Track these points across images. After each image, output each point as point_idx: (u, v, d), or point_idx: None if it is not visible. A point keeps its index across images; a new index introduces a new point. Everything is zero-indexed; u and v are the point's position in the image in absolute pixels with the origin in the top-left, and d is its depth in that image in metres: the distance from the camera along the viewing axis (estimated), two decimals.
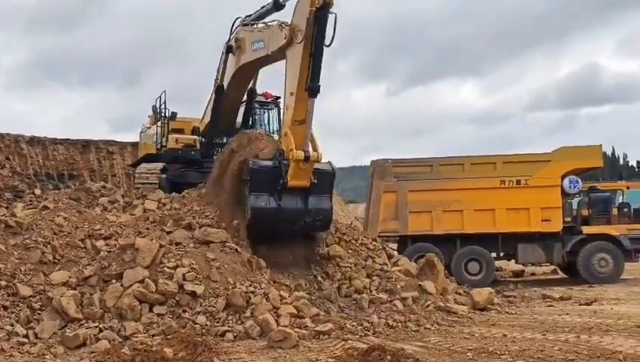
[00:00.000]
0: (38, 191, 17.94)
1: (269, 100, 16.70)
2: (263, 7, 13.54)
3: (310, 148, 10.79)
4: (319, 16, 10.34)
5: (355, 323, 9.37)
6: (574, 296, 13.42)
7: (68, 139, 26.79)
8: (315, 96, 10.66)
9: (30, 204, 13.39)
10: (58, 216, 11.55)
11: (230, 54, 14.35)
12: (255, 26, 13.53)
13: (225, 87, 14.73)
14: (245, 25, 13.96)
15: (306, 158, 10.65)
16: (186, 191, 13.22)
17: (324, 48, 10.50)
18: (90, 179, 24.15)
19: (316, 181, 11.08)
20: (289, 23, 11.23)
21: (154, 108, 17.00)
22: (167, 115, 16.15)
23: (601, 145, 17.87)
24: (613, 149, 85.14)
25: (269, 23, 12.57)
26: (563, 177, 16.69)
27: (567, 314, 10.97)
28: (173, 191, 13.81)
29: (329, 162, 11.83)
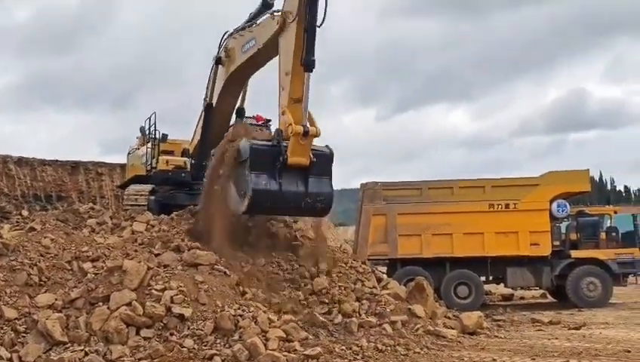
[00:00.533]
0: (25, 213, 17.74)
1: (260, 123, 16.74)
2: (251, 13, 13.66)
3: (308, 124, 10.81)
4: None
5: (344, 347, 9.30)
6: (563, 320, 13.43)
7: (57, 160, 26.67)
8: (311, 70, 10.81)
9: (17, 226, 13.25)
10: (45, 237, 11.43)
11: (220, 66, 14.52)
12: (245, 30, 13.67)
13: (214, 103, 14.78)
14: (232, 34, 14.13)
15: (305, 133, 10.68)
16: (175, 213, 13.16)
17: (316, 29, 10.78)
18: (79, 200, 24.00)
19: (315, 160, 11.12)
20: (279, 11, 11.66)
21: (142, 129, 16.96)
22: (156, 136, 16.12)
23: (588, 169, 18.06)
24: (601, 174, 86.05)
25: (259, 21, 12.96)
26: (551, 201, 16.81)
27: (557, 338, 10.96)
28: (162, 213, 13.74)
29: (327, 145, 11.80)
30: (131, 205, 14.59)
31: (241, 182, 11.16)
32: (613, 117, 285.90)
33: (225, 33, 14.51)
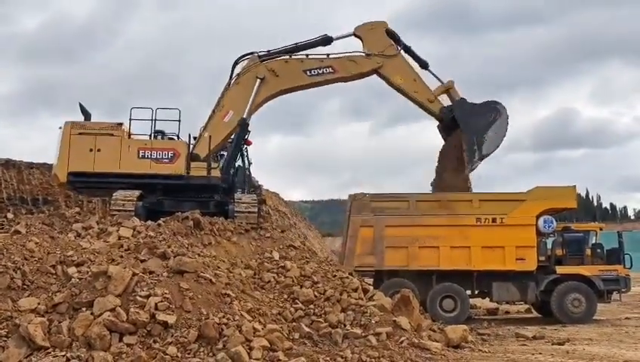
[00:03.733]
0: (10, 216, 17.65)
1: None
2: (296, 44, 17.35)
3: None
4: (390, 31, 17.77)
5: (328, 358, 9.29)
6: (547, 335, 13.48)
7: (45, 163, 26.48)
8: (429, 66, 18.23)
9: (2, 228, 13.18)
10: (30, 241, 11.36)
11: (260, 83, 16.63)
12: (299, 56, 17.41)
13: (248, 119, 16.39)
14: (270, 58, 17.10)
15: None
16: (162, 219, 13.13)
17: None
18: (66, 204, 23.82)
19: None
20: (370, 53, 17.63)
21: (83, 107, 15.91)
22: (189, 137, 16.12)
23: (575, 186, 18.14)
24: (588, 191, 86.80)
25: (334, 55, 17.45)
26: (538, 217, 16.90)
27: (540, 353, 11.00)
28: (149, 219, 13.70)
29: None
30: (118, 210, 14.50)
31: None
32: (600, 136, 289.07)
33: (248, 54, 17.04)
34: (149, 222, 13.18)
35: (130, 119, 15.66)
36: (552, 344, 12.31)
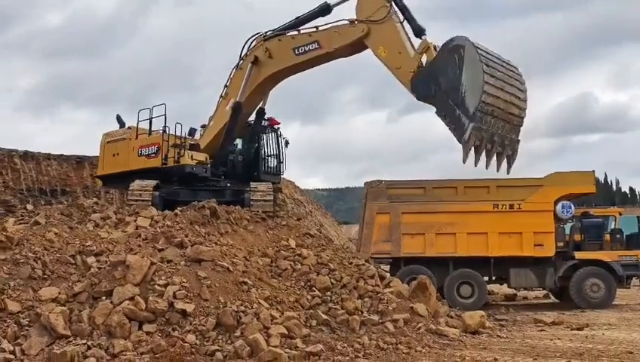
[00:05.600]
0: (30, 207, 17.88)
1: (269, 126, 16.99)
2: (297, 17, 15.09)
3: None
4: None
5: (345, 345, 9.32)
6: (566, 320, 13.39)
7: (62, 154, 26.77)
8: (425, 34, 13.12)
9: (21, 219, 13.32)
10: (49, 231, 11.49)
11: (254, 67, 15.16)
12: (292, 33, 14.98)
13: (242, 102, 15.28)
14: (273, 36, 15.13)
15: None
16: (179, 208, 13.20)
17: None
18: (83, 195, 24.07)
19: None
20: (357, 19, 13.88)
21: (119, 118, 16.79)
22: (166, 130, 15.90)
23: (593, 170, 17.98)
24: (606, 175, 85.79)
25: (323, 27, 14.46)
26: (556, 202, 16.75)
27: (559, 338, 10.94)
28: (166, 209, 13.78)
29: None
30: (135, 200, 14.60)
31: None
32: (618, 120, 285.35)
33: (256, 34, 15.32)
34: (166, 212, 13.25)
35: (138, 121, 16.18)
36: (571, 329, 12.24)
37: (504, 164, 12.77)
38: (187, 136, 16.13)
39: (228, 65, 15.52)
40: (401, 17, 13.51)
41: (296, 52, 14.63)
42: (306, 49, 14.47)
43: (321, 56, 14.54)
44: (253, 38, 15.55)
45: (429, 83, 12.61)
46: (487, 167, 12.49)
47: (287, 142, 17.18)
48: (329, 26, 14.37)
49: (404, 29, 13.44)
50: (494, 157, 12.51)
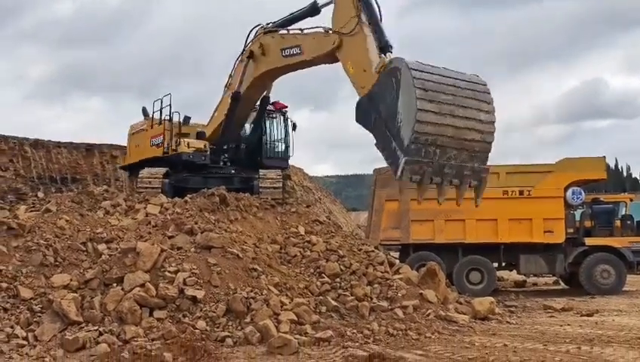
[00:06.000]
0: (41, 194, 18.01)
1: (279, 109, 16.94)
2: (292, 13, 14.23)
3: None
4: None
5: (355, 331, 9.35)
6: (576, 307, 13.38)
7: (72, 142, 26.88)
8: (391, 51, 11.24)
9: (33, 207, 13.41)
10: (60, 218, 11.58)
11: (251, 60, 14.73)
12: (282, 32, 14.13)
13: (242, 93, 15.02)
14: (269, 31, 14.42)
15: None
16: (188, 196, 13.24)
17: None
18: (93, 182, 24.20)
19: None
20: (331, 28, 12.48)
21: (144, 110, 17.09)
22: (172, 118, 16.07)
23: (604, 156, 17.78)
24: (617, 161, 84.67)
25: (307, 31, 13.37)
26: (566, 188, 16.65)
27: (569, 324, 10.93)
28: (176, 196, 13.83)
29: None
30: (145, 188, 14.68)
31: None
32: (629, 106, 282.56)
33: (257, 26, 14.79)
34: (176, 199, 13.31)
35: (153, 111, 16.45)
36: (581, 315, 12.22)
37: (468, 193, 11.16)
38: (182, 124, 16.39)
39: (237, 54, 15.32)
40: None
41: (283, 54, 13.86)
42: (291, 52, 13.65)
43: (304, 62, 13.63)
44: (255, 29, 14.93)
45: (370, 111, 11.16)
46: (439, 203, 11.12)
47: (294, 126, 17.13)
48: (311, 31, 13.30)
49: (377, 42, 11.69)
50: (458, 190, 10.95)
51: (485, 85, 10.72)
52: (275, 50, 14.05)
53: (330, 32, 12.51)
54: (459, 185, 10.69)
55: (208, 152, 15.81)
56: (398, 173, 10.27)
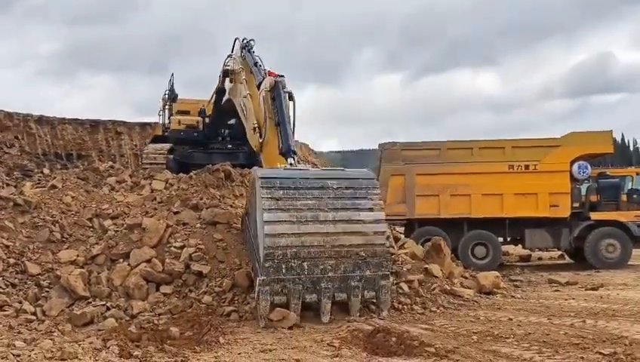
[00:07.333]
0: (46, 171, 18.08)
1: (276, 75, 16.65)
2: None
3: None
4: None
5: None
6: (581, 281, 13.39)
7: (76, 118, 26.82)
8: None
9: (39, 183, 13.47)
10: (66, 195, 11.62)
11: (227, 80, 13.50)
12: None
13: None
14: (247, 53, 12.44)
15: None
16: (193, 171, 13.24)
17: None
18: (99, 159, 24.20)
19: None
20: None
21: (171, 90, 17.57)
22: (169, 97, 16.32)
23: (611, 130, 17.66)
24: (623, 135, 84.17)
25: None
26: (572, 163, 16.56)
27: (574, 298, 10.95)
28: (181, 172, 13.85)
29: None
30: (150, 164, 14.72)
31: None
32: (638, 81, 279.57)
33: (238, 40, 12.78)
34: (181, 175, 13.32)
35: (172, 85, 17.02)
36: (586, 289, 12.23)
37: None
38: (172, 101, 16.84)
39: (247, 32, 15.04)
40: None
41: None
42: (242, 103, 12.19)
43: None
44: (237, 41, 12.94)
45: (245, 219, 10.40)
46: (324, 320, 8.57)
47: (290, 95, 16.26)
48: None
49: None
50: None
51: (372, 179, 9.70)
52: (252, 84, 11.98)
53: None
54: (347, 299, 8.84)
55: (201, 128, 15.89)
56: (255, 296, 8.59)
